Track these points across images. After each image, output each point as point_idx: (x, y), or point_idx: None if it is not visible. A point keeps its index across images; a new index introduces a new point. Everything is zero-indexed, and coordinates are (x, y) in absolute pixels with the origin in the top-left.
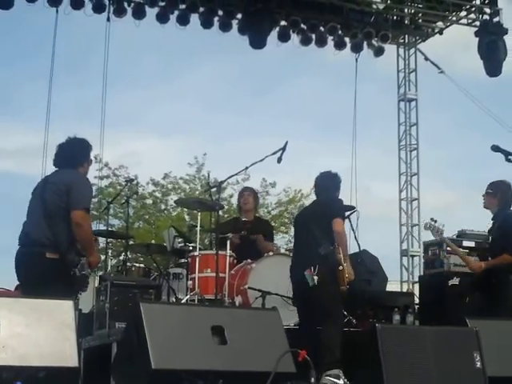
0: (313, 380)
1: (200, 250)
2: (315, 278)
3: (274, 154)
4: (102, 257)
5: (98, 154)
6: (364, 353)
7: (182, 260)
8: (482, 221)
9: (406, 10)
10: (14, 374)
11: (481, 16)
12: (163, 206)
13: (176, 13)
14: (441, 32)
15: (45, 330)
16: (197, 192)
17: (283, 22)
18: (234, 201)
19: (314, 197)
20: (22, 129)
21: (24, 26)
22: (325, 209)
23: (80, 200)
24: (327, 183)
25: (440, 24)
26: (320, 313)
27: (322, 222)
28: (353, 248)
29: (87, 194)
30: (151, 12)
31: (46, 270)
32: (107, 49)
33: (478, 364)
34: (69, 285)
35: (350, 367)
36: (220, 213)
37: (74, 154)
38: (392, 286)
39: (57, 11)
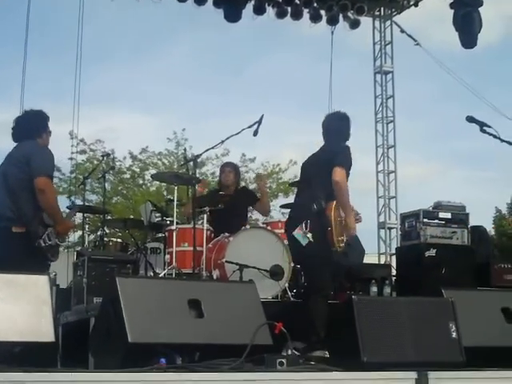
0: (289, 352)
1: (177, 224)
2: (309, 235)
3: (249, 127)
4: (79, 233)
5: (71, 130)
6: (341, 325)
7: (160, 234)
8: (458, 192)
9: None
10: None
11: None
12: (141, 181)
13: None
14: (416, 4)
15: (20, 305)
16: (175, 167)
17: None
18: (215, 176)
19: (291, 172)
20: None
21: None
22: (328, 156)
23: (41, 167)
24: (335, 126)
25: None
26: (308, 280)
27: (321, 171)
28: None
29: (48, 161)
30: None
31: (13, 244)
32: (81, 25)
33: (454, 334)
34: (37, 257)
35: (327, 339)
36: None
37: (30, 125)
38: (370, 259)
39: None
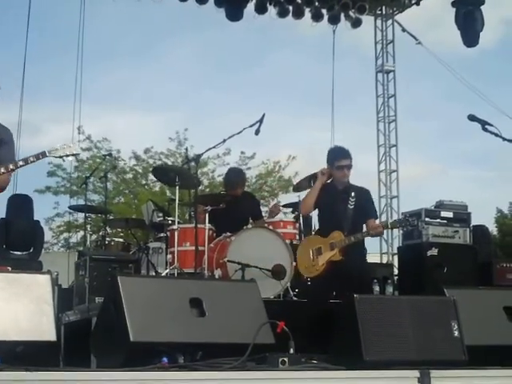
0: (291, 351)
1: (179, 223)
2: None
3: (251, 126)
4: (81, 233)
5: (80, 125)
6: (343, 323)
7: (161, 234)
8: (459, 191)
9: None
10: None
11: None
12: (144, 181)
13: None
14: (418, 3)
15: (22, 304)
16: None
17: None
18: (216, 175)
19: (290, 169)
20: None
21: None
22: None
23: None
24: None
25: None
26: None
27: None
28: None
29: None
30: None
31: None
32: (82, 24)
33: (456, 333)
34: None
35: (329, 337)
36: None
37: None
38: (372, 258)
39: None
